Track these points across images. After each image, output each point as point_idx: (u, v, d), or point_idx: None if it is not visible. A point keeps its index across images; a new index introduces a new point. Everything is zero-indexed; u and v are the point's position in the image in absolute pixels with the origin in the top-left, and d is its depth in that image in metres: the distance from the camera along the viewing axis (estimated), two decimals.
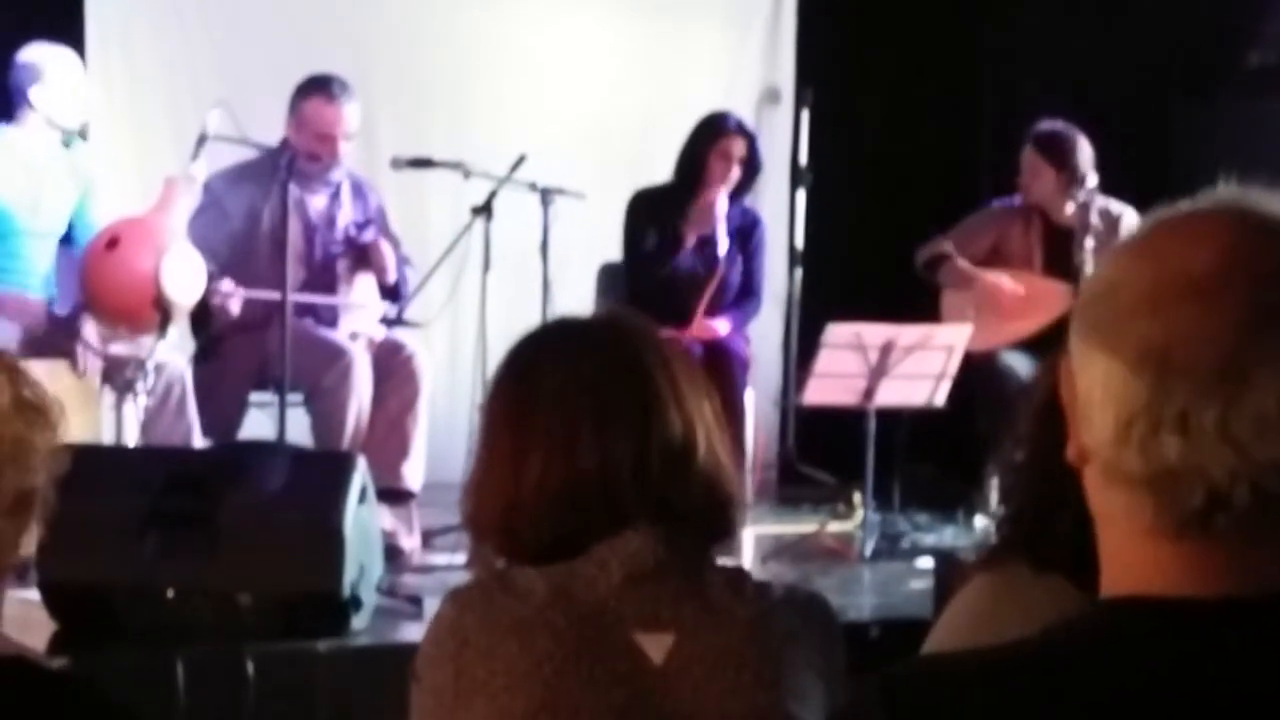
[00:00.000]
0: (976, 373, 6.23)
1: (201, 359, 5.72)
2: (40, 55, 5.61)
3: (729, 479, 2.08)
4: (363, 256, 5.92)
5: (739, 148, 6.29)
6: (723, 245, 6.25)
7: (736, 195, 6.36)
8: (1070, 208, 6.35)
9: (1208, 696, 1.14)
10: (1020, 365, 6.24)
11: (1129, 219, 6.29)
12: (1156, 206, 1.26)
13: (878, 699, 1.20)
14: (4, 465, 1.69)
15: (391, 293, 5.95)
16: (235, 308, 5.59)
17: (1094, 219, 6.27)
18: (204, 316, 5.63)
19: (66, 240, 5.74)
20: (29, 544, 1.75)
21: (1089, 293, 1.22)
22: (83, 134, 5.84)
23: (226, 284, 5.57)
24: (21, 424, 1.70)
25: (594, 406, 2.02)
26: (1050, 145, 6.42)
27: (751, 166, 6.33)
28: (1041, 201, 6.45)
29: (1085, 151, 6.38)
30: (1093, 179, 6.31)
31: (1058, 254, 6.39)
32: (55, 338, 5.39)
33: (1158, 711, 1.14)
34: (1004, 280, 6.42)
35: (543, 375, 2.06)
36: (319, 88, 5.79)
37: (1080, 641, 1.19)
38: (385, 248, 5.91)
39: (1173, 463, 1.16)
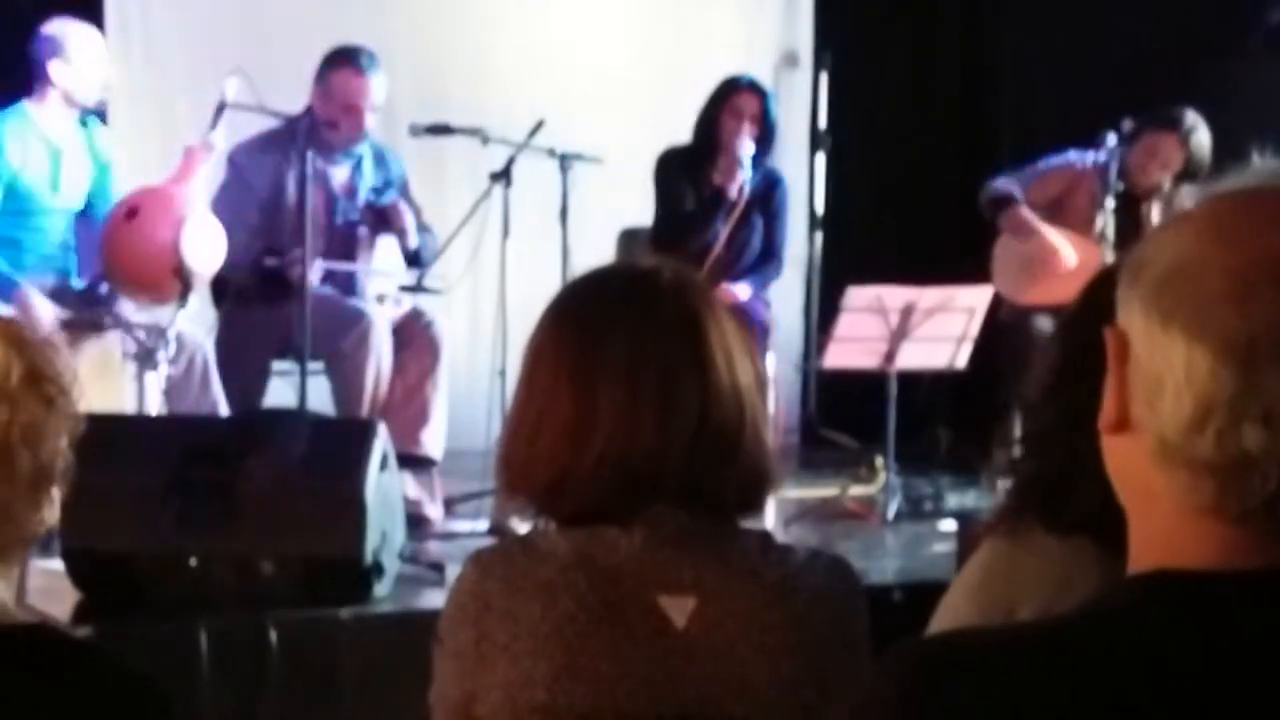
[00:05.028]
0: (1006, 333, 6.20)
1: (223, 329, 5.73)
2: (62, 30, 5.60)
3: (768, 457, 2.07)
4: (383, 220, 5.91)
5: (750, 104, 6.27)
6: (741, 190, 6.21)
7: (757, 157, 6.32)
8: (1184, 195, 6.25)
9: (1269, 663, 1.13)
10: (1050, 329, 6.21)
11: None
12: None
13: (910, 672, 1.18)
14: (18, 448, 1.67)
15: (413, 258, 5.94)
16: (317, 277, 5.56)
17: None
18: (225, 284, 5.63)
19: (85, 212, 5.74)
20: (51, 516, 1.74)
21: (1160, 272, 1.17)
22: (101, 115, 5.83)
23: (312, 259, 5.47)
24: (35, 402, 1.68)
25: (659, 387, 2.00)
26: (1178, 129, 6.33)
27: (766, 124, 6.30)
28: (1150, 183, 6.34)
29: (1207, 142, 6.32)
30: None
31: (1120, 224, 6.31)
32: (85, 313, 5.39)
33: (1220, 681, 1.13)
34: (1065, 247, 6.36)
35: (610, 345, 2.02)
36: (347, 59, 5.77)
37: (1132, 614, 1.17)
38: (405, 210, 5.90)
39: (1252, 452, 1.13)
